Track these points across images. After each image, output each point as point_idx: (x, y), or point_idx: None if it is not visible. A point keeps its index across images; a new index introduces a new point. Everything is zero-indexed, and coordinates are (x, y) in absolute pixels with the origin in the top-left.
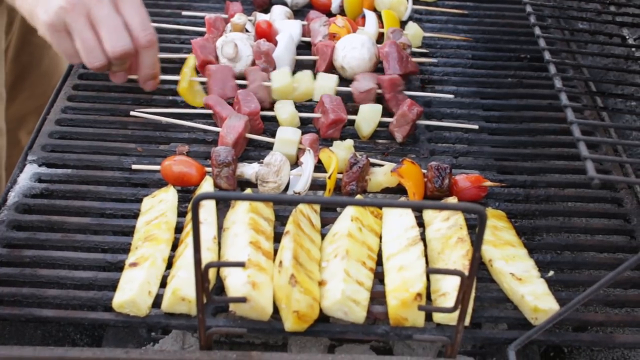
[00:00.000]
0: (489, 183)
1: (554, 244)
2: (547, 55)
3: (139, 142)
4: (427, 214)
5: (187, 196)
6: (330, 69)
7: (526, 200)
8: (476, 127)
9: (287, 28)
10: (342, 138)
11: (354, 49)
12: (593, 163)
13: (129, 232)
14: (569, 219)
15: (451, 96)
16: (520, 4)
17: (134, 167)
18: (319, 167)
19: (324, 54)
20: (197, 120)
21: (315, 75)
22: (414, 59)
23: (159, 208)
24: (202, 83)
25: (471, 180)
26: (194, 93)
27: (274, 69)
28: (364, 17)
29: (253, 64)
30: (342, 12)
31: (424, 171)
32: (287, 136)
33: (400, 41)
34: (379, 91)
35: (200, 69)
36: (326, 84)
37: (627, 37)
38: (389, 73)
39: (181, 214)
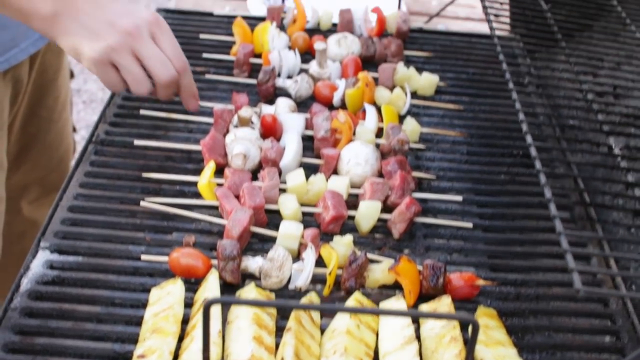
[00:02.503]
0: (481, 282)
1: (543, 343)
2: (537, 165)
3: (148, 231)
4: (421, 309)
5: (194, 287)
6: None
7: (517, 299)
8: (470, 225)
9: (292, 124)
10: (342, 232)
11: (357, 165)
12: (579, 275)
13: (137, 322)
14: (557, 318)
15: (448, 197)
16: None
17: (143, 257)
18: (320, 261)
19: (329, 163)
20: (204, 210)
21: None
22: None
23: (166, 300)
24: (220, 184)
25: (464, 279)
26: (211, 190)
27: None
28: (364, 111)
29: (260, 163)
30: (343, 105)
31: (420, 267)
32: (290, 231)
33: (399, 138)
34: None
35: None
36: (338, 187)
37: (613, 146)
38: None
39: (187, 304)
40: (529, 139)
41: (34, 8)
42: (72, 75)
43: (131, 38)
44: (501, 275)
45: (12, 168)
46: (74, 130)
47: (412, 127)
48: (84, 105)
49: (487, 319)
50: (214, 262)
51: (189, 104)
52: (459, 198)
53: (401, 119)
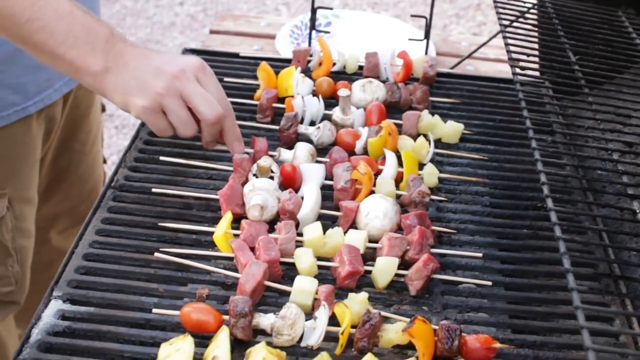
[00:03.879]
0: (498, 345)
1: None
2: (557, 232)
3: (161, 281)
4: None
5: (205, 342)
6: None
7: None
8: (489, 283)
9: (312, 174)
10: (358, 287)
11: (376, 218)
12: (595, 353)
13: None
14: None
15: (468, 252)
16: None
17: (155, 310)
18: (333, 319)
19: (348, 216)
20: (219, 262)
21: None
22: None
23: (175, 357)
24: (236, 235)
25: (480, 342)
26: (227, 242)
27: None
28: (384, 158)
29: (278, 213)
30: (365, 152)
31: (435, 327)
32: (304, 287)
33: (420, 190)
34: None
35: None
36: (356, 241)
37: (638, 210)
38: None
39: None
40: (545, 189)
41: (85, 64)
42: (103, 109)
43: (178, 81)
44: (520, 336)
45: (42, 200)
46: (104, 161)
47: (430, 171)
48: (116, 131)
49: None
50: (226, 317)
51: (234, 147)
52: (479, 254)
53: (421, 167)
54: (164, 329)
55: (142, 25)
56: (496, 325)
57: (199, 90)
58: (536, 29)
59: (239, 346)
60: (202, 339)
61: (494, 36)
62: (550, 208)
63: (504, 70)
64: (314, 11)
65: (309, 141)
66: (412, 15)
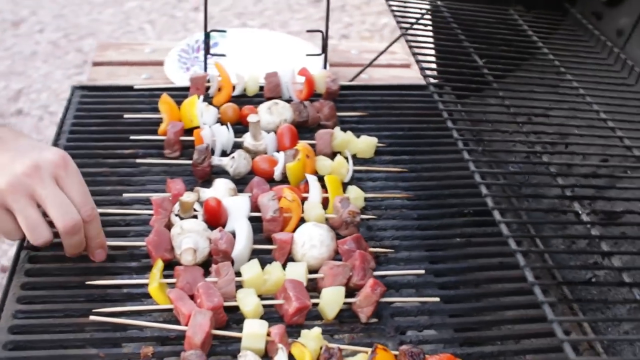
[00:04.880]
0: None
1: None
2: (512, 245)
3: (99, 345)
4: None
5: None
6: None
7: None
8: (437, 299)
9: (237, 207)
10: (307, 320)
11: (313, 248)
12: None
13: None
14: None
15: (410, 271)
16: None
17: None
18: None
19: (283, 249)
20: (157, 314)
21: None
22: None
23: None
24: (171, 284)
25: None
26: (164, 293)
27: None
28: (306, 182)
29: (210, 254)
30: (284, 178)
31: (395, 353)
32: (255, 330)
33: (350, 210)
34: None
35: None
36: (297, 274)
37: (580, 212)
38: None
39: None
40: (490, 202)
41: None
42: None
43: (29, 179)
44: (477, 349)
45: None
46: None
47: (355, 195)
48: None
49: None
50: None
51: (95, 255)
52: (421, 271)
53: (344, 185)
54: None
55: (1, 58)
56: (450, 341)
57: (53, 193)
58: (433, 33)
59: None
60: None
61: (393, 42)
62: (499, 221)
63: (397, 76)
64: (207, 35)
65: (224, 172)
66: (309, 31)
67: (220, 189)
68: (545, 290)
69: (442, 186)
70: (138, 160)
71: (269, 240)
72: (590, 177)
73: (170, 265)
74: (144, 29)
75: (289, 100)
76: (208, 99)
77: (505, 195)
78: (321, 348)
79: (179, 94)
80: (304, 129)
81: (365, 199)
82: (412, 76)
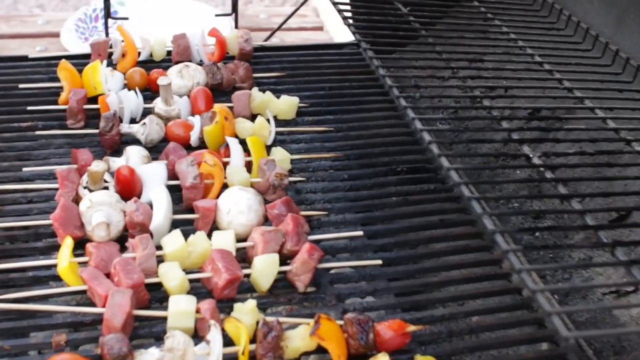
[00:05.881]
0: (412, 328)
1: None
2: (465, 192)
3: (3, 336)
4: None
5: None
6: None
7: (450, 337)
8: (379, 262)
9: (152, 176)
10: (239, 294)
11: (240, 214)
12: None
13: None
14: (501, 352)
15: (347, 234)
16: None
17: None
18: (225, 337)
19: (206, 217)
20: (68, 297)
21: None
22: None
23: None
24: (83, 263)
25: (394, 328)
26: (75, 273)
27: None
28: (226, 146)
29: (125, 228)
30: (202, 143)
31: (340, 322)
32: (183, 307)
33: (277, 172)
34: None
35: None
36: (224, 244)
37: (531, 155)
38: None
39: None
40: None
41: None
42: None
43: None
44: (426, 313)
45: None
46: None
47: (280, 157)
48: None
49: None
50: None
51: None
52: (360, 232)
53: (268, 148)
54: None
55: None
56: (396, 305)
57: None
58: None
59: None
60: None
61: (303, 3)
62: (448, 167)
63: (310, 39)
64: None
65: (135, 141)
66: None
67: (133, 157)
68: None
69: (372, 144)
70: (38, 133)
71: (191, 209)
72: (535, 119)
73: (81, 243)
74: (32, 13)
75: (200, 63)
76: (112, 66)
77: (449, 141)
78: (258, 322)
79: (80, 62)
80: (218, 92)
81: (292, 161)
82: (325, 38)
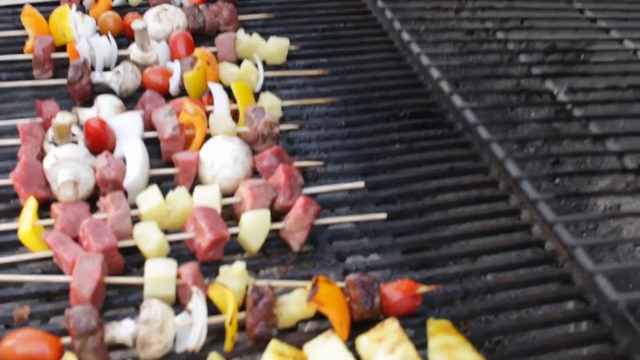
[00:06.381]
0: (423, 289)
1: (518, 352)
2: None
3: None
4: (363, 345)
5: None
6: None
7: (465, 297)
8: (383, 216)
9: (126, 127)
10: (226, 256)
11: (225, 167)
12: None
13: None
14: (525, 313)
15: (346, 185)
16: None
17: None
18: (209, 305)
19: (187, 171)
20: (33, 265)
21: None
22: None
23: None
24: (48, 226)
25: (402, 290)
26: (39, 237)
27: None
28: (209, 94)
29: (96, 186)
30: (183, 91)
31: (341, 285)
32: (161, 273)
33: (265, 120)
34: None
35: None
36: (208, 200)
37: (555, 91)
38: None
39: None
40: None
41: None
42: None
43: None
44: (438, 271)
45: None
46: None
47: (270, 103)
48: None
49: (443, 336)
50: (66, 340)
51: None
52: (361, 184)
53: (255, 96)
54: None
55: None
56: (404, 264)
57: None
58: None
59: None
60: None
61: None
62: (461, 107)
63: None
64: None
65: (108, 91)
66: None
67: (105, 107)
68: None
69: (371, 88)
70: (1, 85)
71: (170, 163)
72: (557, 53)
73: (47, 204)
74: None
75: (180, 6)
76: (84, 12)
77: (461, 77)
78: (247, 287)
79: (48, 10)
80: (200, 36)
81: (283, 108)
82: None
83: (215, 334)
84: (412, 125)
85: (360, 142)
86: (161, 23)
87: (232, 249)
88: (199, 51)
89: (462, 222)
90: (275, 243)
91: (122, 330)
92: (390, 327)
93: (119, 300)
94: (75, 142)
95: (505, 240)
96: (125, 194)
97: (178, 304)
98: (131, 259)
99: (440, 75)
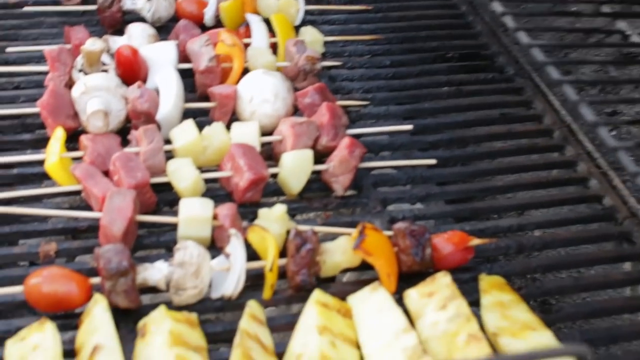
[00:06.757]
0: (476, 241)
1: (575, 313)
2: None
3: None
4: (412, 299)
5: (71, 323)
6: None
7: (520, 252)
8: (432, 161)
9: (160, 57)
10: (264, 198)
11: (265, 103)
12: None
13: None
14: (583, 272)
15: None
16: None
17: None
18: (248, 249)
19: (225, 106)
20: (60, 199)
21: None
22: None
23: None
24: (77, 159)
25: (454, 242)
26: (67, 170)
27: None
28: (247, 26)
29: (127, 119)
30: (218, 22)
31: (389, 233)
32: (196, 213)
33: (307, 55)
34: None
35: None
36: (246, 137)
37: (628, 32)
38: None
39: (68, 354)
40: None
41: None
42: None
43: None
44: (490, 224)
45: None
46: None
47: (311, 38)
48: None
49: (497, 293)
50: (95, 280)
51: None
52: (409, 126)
53: (295, 30)
54: (4, 316)
55: None
56: (454, 214)
57: None
58: None
59: (124, 319)
60: (67, 319)
61: None
62: (528, 44)
63: None
64: None
65: (140, 19)
66: None
67: (136, 36)
68: None
69: (416, 27)
70: (27, 9)
71: (206, 97)
72: None
73: (76, 135)
74: None
75: None
76: None
77: (526, 12)
78: (288, 232)
79: None
80: None
81: (325, 44)
82: None
83: (253, 281)
84: (460, 68)
85: (406, 83)
86: None
87: (270, 190)
88: None
89: (513, 172)
90: (316, 186)
91: (155, 272)
92: (442, 281)
93: (150, 240)
94: (106, 71)
95: (559, 194)
96: (158, 127)
97: (213, 247)
98: (163, 197)
99: (503, 9)
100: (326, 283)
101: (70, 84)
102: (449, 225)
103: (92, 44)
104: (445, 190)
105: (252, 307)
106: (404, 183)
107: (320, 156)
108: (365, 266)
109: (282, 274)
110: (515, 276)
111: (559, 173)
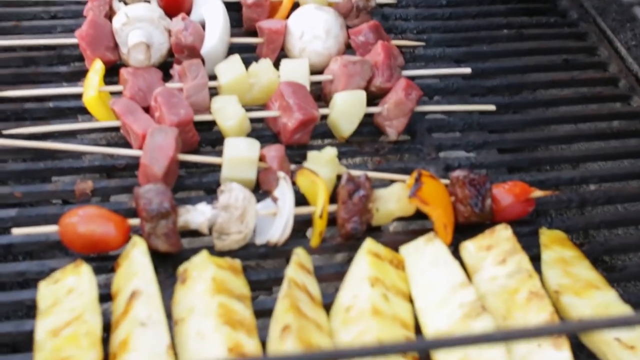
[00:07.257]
0: (538, 193)
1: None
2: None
3: (14, 181)
4: (468, 252)
5: (107, 265)
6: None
7: (582, 206)
8: (491, 107)
9: None
10: (312, 141)
11: (316, 39)
12: None
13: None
14: None
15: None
16: None
17: (15, 231)
18: (296, 193)
19: (274, 42)
20: (97, 135)
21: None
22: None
23: (69, 305)
24: (116, 93)
25: (515, 193)
26: (106, 104)
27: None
28: None
29: (170, 52)
30: None
31: (445, 182)
32: (242, 154)
33: None
34: None
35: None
36: (296, 75)
37: None
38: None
39: (103, 298)
40: None
41: None
42: None
43: None
44: (551, 175)
45: None
46: None
47: None
48: None
49: (559, 249)
50: (134, 222)
51: None
52: (466, 70)
53: None
54: (35, 257)
55: None
56: (512, 163)
57: None
58: None
59: (164, 263)
60: (103, 261)
61: None
62: None
63: None
64: None
65: None
66: None
67: None
68: None
69: None
70: None
71: (253, 32)
72: None
73: (115, 69)
74: None
75: None
76: None
77: None
78: (339, 177)
79: None
80: None
81: None
82: None
83: (302, 228)
84: (520, 10)
85: (464, 24)
86: None
87: (319, 132)
88: None
89: (578, 121)
90: (368, 129)
91: (197, 215)
92: (502, 234)
93: (191, 181)
94: (149, 2)
95: (621, 146)
96: (203, 62)
97: (258, 190)
98: (207, 136)
99: None
100: (375, 232)
101: (110, 15)
102: (506, 176)
103: None
104: (503, 138)
105: (300, 255)
106: (460, 129)
107: (373, 98)
108: (414, 215)
109: (332, 220)
110: (577, 232)
111: (625, 124)
